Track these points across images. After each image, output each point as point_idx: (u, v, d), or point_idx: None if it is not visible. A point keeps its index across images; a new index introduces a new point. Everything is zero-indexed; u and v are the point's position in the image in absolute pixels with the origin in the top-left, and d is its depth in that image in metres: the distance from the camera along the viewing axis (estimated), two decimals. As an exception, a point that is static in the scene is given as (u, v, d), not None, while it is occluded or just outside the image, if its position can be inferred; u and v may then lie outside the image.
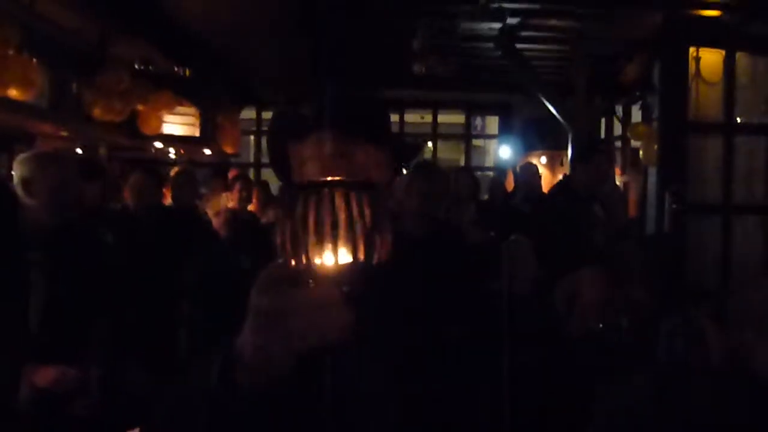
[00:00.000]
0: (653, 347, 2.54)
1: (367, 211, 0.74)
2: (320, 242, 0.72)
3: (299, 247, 0.73)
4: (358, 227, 0.73)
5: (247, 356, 0.75)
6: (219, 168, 6.62)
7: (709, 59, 4.43)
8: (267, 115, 8.51)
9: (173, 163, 6.08)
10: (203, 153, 6.44)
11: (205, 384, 0.78)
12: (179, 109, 5.56)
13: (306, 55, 5.63)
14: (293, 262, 0.74)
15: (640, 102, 5.33)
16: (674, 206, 4.15)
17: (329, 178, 0.76)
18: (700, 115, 4.44)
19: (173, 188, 4.12)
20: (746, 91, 4.39)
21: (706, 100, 4.48)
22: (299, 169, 0.97)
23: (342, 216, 0.73)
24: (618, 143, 6.58)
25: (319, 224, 0.72)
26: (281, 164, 1.01)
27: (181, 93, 5.47)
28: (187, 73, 5.71)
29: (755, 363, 1.40)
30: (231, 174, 5.85)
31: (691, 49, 4.33)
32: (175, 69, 5.67)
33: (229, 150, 6.72)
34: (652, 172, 4.61)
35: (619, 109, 6.40)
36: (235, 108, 7.19)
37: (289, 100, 7.84)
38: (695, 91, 4.39)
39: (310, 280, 0.73)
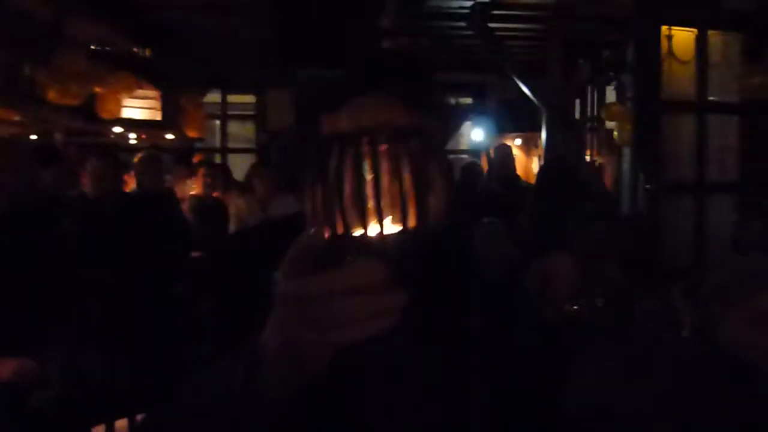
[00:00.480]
0: (628, 327, 2.53)
1: (418, 167, 0.57)
2: (361, 208, 0.57)
3: (334, 215, 0.58)
4: (409, 187, 0.57)
5: (271, 356, 0.62)
6: (183, 153, 6.41)
7: (681, 37, 4.41)
8: (232, 98, 8.28)
9: (135, 148, 5.87)
10: (165, 138, 6.22)
11: (226, 391, 0.66)
12: (139, 91, 5.34)
13: (274, 35, 5.46)
14: (327, 235, 0.59)
15: (614, 82, 5.30)
16: (648, 186, 4.14)
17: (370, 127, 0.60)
18: (673, 93, 4.42)
19: (137, 173, 4.00)
20: (718, 69, 4.39)
21: (679, 79, 4.46)
22: None
23: (388, 173, 0.56)
24: (592, 124, 6.56)
25: (359, 185, 0.57)
26: (311, 139, 0.89)
27: (142, 75, 5.24)
28: (148, 53, 5.48)
29: (721, 337, 1.42)
30: (195, 159, 5.68)
31: (663, 28, 4.30)
32: (135, 50, 5.43)
33: (193, 134, 6.51)
34: (627, 152, 4.59)
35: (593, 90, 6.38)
36: (198, 91, 6.97)
37: (258, 83, 7.65)
38: (668, 70, 4.37)
39: (349, 256, 0.59)
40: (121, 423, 2.99)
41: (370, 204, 0.57)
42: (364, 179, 0.57)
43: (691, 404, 1.39)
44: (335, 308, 0.57)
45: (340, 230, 0.58)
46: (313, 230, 0.59)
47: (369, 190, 0.57)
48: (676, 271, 3.90)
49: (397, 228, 0.58)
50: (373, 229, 0.58)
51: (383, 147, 0.57)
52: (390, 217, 0.57)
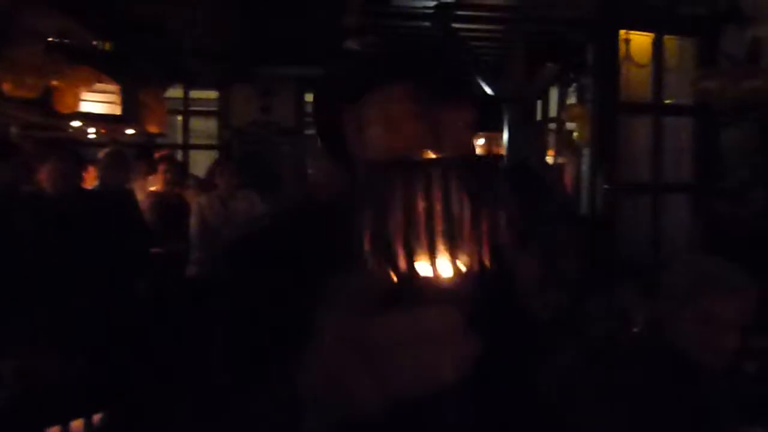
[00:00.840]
0: (586, 325, 2.59)
1: (488, 200, 0.51)
2: (430, 245, 0.50)
3: (397, 252, 0.50)
4: (482, 223, 0.50)
5: (316, 396, 0.55)
6: (143, 149, 6.30)
7: (639, 41, 4.51)
8: (195, 93, 8.17)
9: (94, 143, 5.74)
10: (125, 133, 6.09)
11: (266, 424, 0.59)
12: (98, 85, 5.21)
13: (238, 30, 5.41)
14: (389, 274, 0.51)
15: (574, 84, 5.40)
16: (606, 185, 4.24)
17: (432, 156, 0.55)
18: (631, 95, 4.53)
19: (99, 170, 3.96)
20: (674, 73, 4.51)
21: (636, 82, 4.57)
22: (359, 137, 0.79)
23: (459, 208, 0.49)
24: (553, 125, 6.66)
25: (426, 219, 0.49)
26: (331, 133, 0.82)
27: (101, 68, 5.13)
28: (108, 47, 5.36)
29: (674, 335, 1.47)
30: (156, 155, 5.60)
31: (621, 32, 4.40)
32: (94, 43, 5.31)
33: (153, 130, 6.39)
34: (586, 152, 4.69)
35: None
36: (160, 85, 6.84)
37: (221, 78, 7.55)
38: (626, 73, 4.47)
39: (416, 298, 0.51)
40: (77, 423, 2.94)
41: (441, 239, 0.50)
42: (435, 214, 0.50)
43: (644, 402, 1.42)
44: (400, 356, 0.50)
45: (405, 268, 0.51)
46: (374, 266, 0.52)
47: (440, 226, 0.50)
48: (632, 270, 4.00)
49: (470, 266, 0.51)
50: (445, 268, 0.51)
51: (454, 178, 0.50)
52: (463, 255, 0.51)
